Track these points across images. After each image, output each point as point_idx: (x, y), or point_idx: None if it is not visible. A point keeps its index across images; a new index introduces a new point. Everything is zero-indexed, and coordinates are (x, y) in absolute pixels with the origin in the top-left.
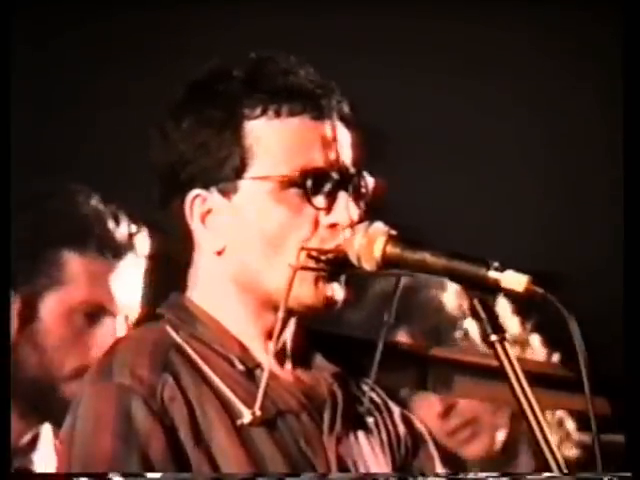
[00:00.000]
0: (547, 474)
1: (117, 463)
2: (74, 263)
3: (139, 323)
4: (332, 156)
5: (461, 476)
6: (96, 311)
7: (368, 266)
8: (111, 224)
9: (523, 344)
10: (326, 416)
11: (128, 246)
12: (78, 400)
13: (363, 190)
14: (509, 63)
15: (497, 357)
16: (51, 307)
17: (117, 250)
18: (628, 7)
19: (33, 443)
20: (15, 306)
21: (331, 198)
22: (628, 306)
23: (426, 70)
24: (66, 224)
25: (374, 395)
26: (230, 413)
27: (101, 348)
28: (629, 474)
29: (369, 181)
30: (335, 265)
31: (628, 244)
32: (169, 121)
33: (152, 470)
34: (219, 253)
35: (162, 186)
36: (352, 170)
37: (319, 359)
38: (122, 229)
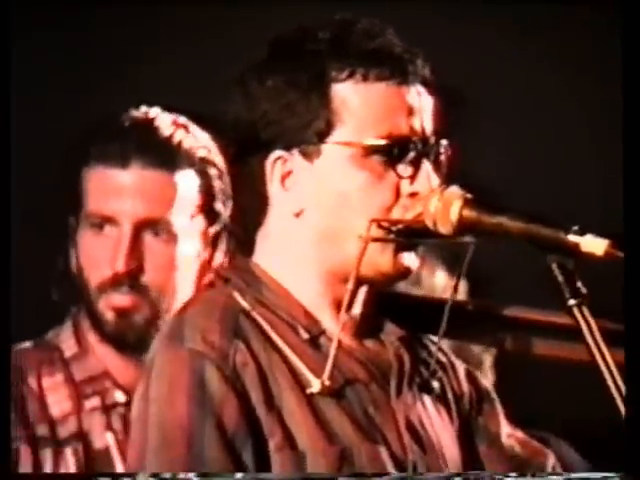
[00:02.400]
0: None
1: (192, 427)
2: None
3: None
4: (416, 123)
5: (461, 476)
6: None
7: (444, 230)
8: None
9: None
10: (393, 381)
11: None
12: (151, 362)
13: (442, 158)
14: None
15: (576, 321)
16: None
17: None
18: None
19: None
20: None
21: (415, 166)
22: None
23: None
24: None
25: (440, 355)
26: (299, 380)
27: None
28: (629, 475)
29: (448, 149)
30: (408, 235)
31: None
32: (252, 79)
33: (225, 436)
34: (297, 215)
35: (240, 145)
36: (433, 138)
37: (387, 323)
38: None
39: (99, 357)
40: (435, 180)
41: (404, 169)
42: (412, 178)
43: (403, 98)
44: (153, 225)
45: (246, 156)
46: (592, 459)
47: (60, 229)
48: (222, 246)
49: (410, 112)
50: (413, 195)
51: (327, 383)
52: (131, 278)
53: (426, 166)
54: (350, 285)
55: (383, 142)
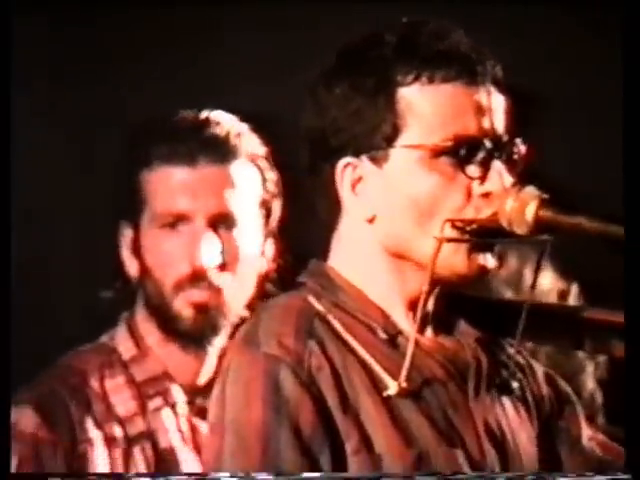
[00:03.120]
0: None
1: (269, 432)
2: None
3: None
4: (486, 123)
5: (459, 476)
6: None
7: (520, 230)
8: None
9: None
10: (471, 382)
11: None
12: (226, 367)
13: (516, 157)
14: None
15: None
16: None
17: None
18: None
19: None
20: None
21: (484, 167)
22: None
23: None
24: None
25: (519, 357)
26: (375, 382)
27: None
28: (629, 476)
29: (521, 148)
30: (483, 235)
31: None
32: (321, 87)
33: (302, 439)
34: (370, 221)
35: (312, 152)
36: (505, 137)
37: (462, 324)
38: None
39: (159, 358)
40: (508, 179)
41: (473, 170)
42: (482, 179)
43: (471, 98)
44: (224, 220)
45: (319, 163)
46: None
47: (107, 233)
48: (275, 244)
49: (479, 112)
50: (485, 195)
51: (404, 385)
52: (210, 273)
53: (497, 166)
54: (425, 285)
55: (450, 143)
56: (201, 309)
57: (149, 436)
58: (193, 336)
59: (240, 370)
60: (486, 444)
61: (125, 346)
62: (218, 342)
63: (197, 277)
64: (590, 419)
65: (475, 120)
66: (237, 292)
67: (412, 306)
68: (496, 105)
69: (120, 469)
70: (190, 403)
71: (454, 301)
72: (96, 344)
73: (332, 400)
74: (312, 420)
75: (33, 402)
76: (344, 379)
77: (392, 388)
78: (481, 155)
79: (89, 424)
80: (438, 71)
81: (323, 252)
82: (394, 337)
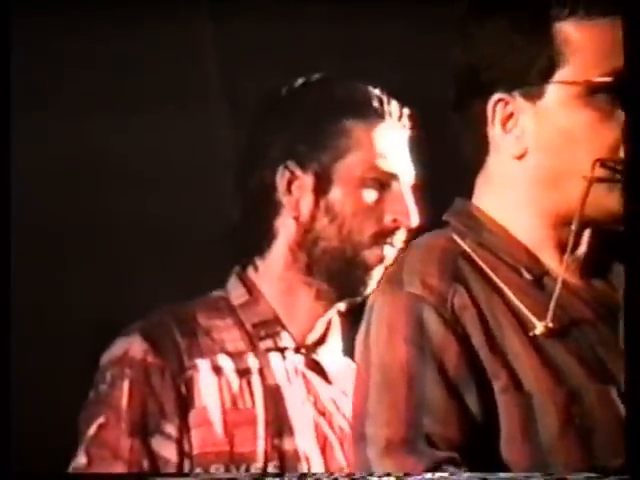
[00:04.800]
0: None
1: (413, 370)
2: (358, 131)
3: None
4: None
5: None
6: (383, 176)
7: None
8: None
9: None
10: (621, 323)
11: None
12: (370, 307)
13: None
14: None
15: None
16: (343, 176)
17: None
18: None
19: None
20: (309, 183)
21: None
22: None
23: None
24: (345, 97)
25: None
26: (521, 322)
27: (393, 212)
28: (628, 477)
29: None
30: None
31: None
32: (472, 21)
33: (447, 378)
34: (519, 157)
35: (460, 88)
36: None
37: (615, 265)
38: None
39: (270, 304)
40: None
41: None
42: None
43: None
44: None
45: (466, 99)
46: None
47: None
48: None
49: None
50: None
51: (550, 325)
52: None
53: None
54: (574, 226)
55: (609, 79)
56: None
57: (259, 371)
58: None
59: (383, 310)
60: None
61: (236, 293)
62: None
63: (387, 234)
64: None
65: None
66: None
67: (561, 247)
68: None
69: (226, 400)
70: (297, 350)
71: (608, 242)
72: (207, 296)
73: (477, 339)
74: (457, 360)
75: (141, 330)
76: (489, 318)
77: (538, 328)
78: None
79: (196, 353)
80: (595, 4)
81: (468, 191)
82: (540, 278)
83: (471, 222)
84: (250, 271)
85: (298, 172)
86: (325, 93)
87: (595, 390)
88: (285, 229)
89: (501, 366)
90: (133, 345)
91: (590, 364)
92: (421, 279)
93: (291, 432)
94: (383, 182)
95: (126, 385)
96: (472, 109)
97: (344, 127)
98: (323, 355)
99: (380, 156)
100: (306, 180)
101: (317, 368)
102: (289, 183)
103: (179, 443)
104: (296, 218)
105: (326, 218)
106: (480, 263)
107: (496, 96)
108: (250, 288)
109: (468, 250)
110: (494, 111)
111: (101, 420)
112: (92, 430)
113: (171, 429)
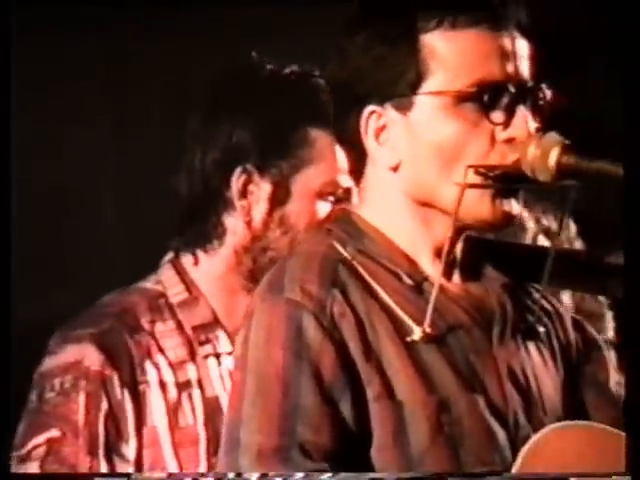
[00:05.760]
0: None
1: (289, 376)
2: (322, 142)
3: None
4: (510, 68)
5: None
6: (340, 192)
7: (542, 177)
8: None
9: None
10: (496, 328)
11: None
12: (251, 311)
13: (541, 103)
14: None
15: None
16: (301, 189)
17: None
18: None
19: None
20: (266, 190)
21: (509, 112)
22: None
23: None
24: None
25: (545, 302)
26: (399, 329)
27: None
28: (628, 477)
29: (547, 94)
30: (506, 180)
31: None
32: (344, 36)
33: (322, 385)
34: (394, 169)
35: (337, 101)
36: (530, 83)
37: (489, 270)
38: None
39: (209, 303)
40: (533, 125)
41: (498, 116)
42: (506, 124)
43: (495, 43)
44: None
45: (344, 112)
46: None
47: None
48: None
49: (503, 57)
50: (509, 141)
51: (428, 330)
52: None
53: (522, 111)
54: (449, 232)
55: (474, 89)
56: None
57: (198, 383)
58: None
59: (263, 315)
60: (509, 390)
61: (173, 291)
62: None
63: None
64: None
65: (499, 65)
66: None
67: (438, 253)
68: (520, 49)
69: (171, 417)
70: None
71: (481, 247)
72: (141, 287)
73: (354, 346)
74: (333, 366)
75: (94, 339)
76: (367, 325)
77: (416, 333)
78: (505, 101)
79: (145, 365)
80: (461, 16)
81: (348, 200)
82: (420, 283)
83: (352, 229)
84: (187, 262)
85: (256, 177)
86: (294, 94)
87: (464, 400)
88: (234, 230)
89: (375, 374)
90: (88, 355)
91: (462, 372)
92: (301, 286)
93: None
94: (340, 198)
95: (82, 398)
96: (349, 122)
97: (308, 136)
98: None
99: (341, 171)
100: (263, 187)
101: None
102: (245, 186)
103: (137, 464)
104: (247, 223)
105: (279, 230)
106: (360, 270)
107: (369, 108)
108: (189, 285)
109: (348, 257)
110: (367, 124)
111: (54, 433)
112: (41, 441)
113: (126, 450)
